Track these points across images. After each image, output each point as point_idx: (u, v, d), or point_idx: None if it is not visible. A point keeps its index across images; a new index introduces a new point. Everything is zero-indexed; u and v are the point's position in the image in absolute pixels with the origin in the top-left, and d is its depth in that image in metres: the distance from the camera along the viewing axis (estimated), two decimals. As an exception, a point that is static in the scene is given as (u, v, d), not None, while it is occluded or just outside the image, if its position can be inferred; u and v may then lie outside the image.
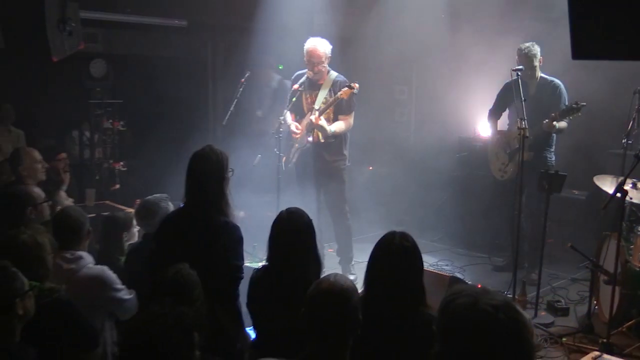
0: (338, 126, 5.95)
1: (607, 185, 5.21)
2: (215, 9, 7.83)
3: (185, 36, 8.64)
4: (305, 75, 5.97)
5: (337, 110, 5.94)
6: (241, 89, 6.55)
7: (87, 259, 3.76)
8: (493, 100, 6.38)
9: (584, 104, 5.44)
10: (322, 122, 5.83)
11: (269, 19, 7.49)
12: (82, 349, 3.37)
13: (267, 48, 7.50)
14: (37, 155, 5.28)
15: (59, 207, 4.84)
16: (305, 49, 5.92)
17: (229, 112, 6.51)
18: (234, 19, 7.78)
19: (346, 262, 6.26)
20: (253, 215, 5.96)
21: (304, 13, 7.62)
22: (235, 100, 6.51)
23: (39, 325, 2.85)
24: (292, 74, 6.28)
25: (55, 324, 3.04)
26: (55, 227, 3.75)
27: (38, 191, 4.45)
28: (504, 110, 6.37)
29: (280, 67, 7.91)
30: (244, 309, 3.53)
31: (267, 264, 3.44)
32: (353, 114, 6.02)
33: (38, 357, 2.73)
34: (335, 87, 5.95)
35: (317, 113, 5.85)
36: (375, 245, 3.03)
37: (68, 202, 5.44)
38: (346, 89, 5.74)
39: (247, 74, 6.61)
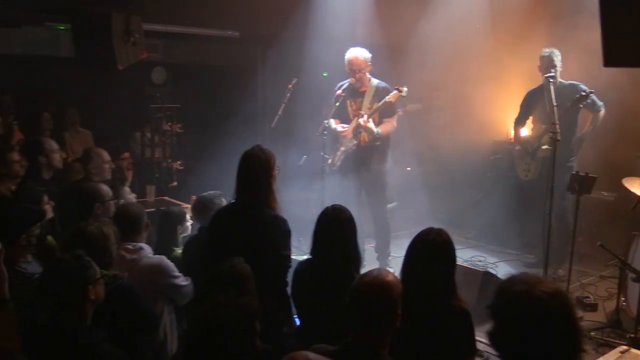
0: (384, 128, 5.93)
1: (636, 187, 5.08)
2: (265, 21, 7.86)
3: (238, 46, 8.71)
4: (348, 83, 5.96)
5: (382, 113, 5.92)
6: (288, 94, 6.57)
7: (147, 249, 3.84)
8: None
9: (592, 90, 5.40)
10: (371, 124, 5.82)
11: (315, 30, 7.50)
12: (144, 331, 3.43)
13: (313, 56, 7.51)
14: (105, 155, 5.37)
15: (122, 201, 4.93)
16: (346, 59, 5.92)
17: (277, 115, 6.55)
18: (282, 29, 7.81)
19: (384, 257, 6.22)
20: (299, 212, 5.98)
21: (347, 24, 7.61)
22: (283, 104, 6.53)
23: (105, 310, 2.92)
24: (336, 81, 6.27)
25: (118, 309, 3.10)
26: (116, 221, 3.84)
27: (105, 189, 4.53)
28: (528, 118, 6.28)
29: (324, 75, 7.91)
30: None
31: (310, 256, 3.45)
32: (396, 116, 6.01)
33: (107, 339, 2.78)
34: (378, 92, 5.93)
35: (365, 117, 5.83)
36: (412, 240, 3.02)
37: (131, 197, 5.53)
38: (395, 92, 5.72)
39: (294, 81, 6.62)
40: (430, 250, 2.93)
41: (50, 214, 4.48)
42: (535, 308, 1.89)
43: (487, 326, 2.03)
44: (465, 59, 7.87)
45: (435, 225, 3.12)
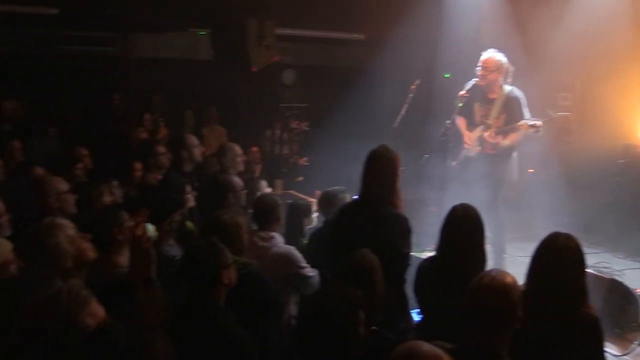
0: (511, 139, 5.61)
1: None
2: (389, 23, 7.83)
3: (363, 48, 8.74)
4: (473, 83, 5.72)
5: (508, 124, 5.63)
6: (411, 95, 6.49)
7: (278, 239, 3.93)
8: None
9: None
10: (498, 139, 5.57)
11: (439, 32, 7.35)
12: (269, 316, 3.51)
13: (436, 58, 7.36)
14: (238, 149, 5.59)
15: (258, 194, 5.11)
16: (481, 58, 5.66)
17: (400, 115, 6.48)
18: (406, 31, 7.73)
19: (499, 257, 5.92)
20: (419, 210, 5.88)
21: (472, 25, 7.38)
22: (406, 105, 6.45)
23: (235, 294, 2.99)
24: (458, 82, 6.09)
25: (247, 294, 3.16)
26: (253, 210, 3.99)
27: (238, 180, 4.72)
28: None
29: (447, 76, 7.73)
30: (410, 294, 3.50)
31: (436, 253, 3.38)
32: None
33: (238, 322, 2.87)
34: (508, 102, 5.59)
35: (491, 132, 5.59)
36: (539, 244, 2.87)
37: (267, 190, 5.70)
38: (528, 127, 5.41)
39: (417, 82, 6.52)
40: (560, 256, 2.77)
41: (192, 203, 4.73)
42: None
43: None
44: (593, 58, 7.35)
45: (559, 229, 2.95)
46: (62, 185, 4.03)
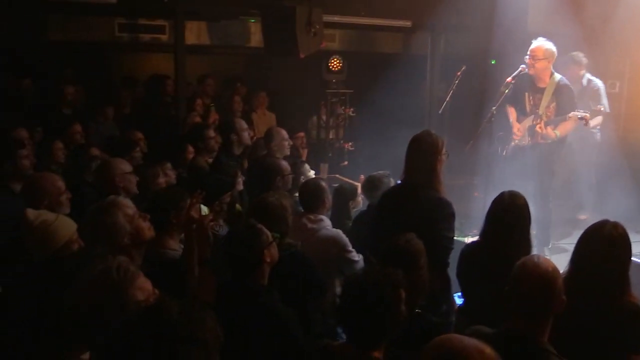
0: (563, 128, 5.42)
1: None
2: (436, 10, 7.69)
3: (409, 34, 8.63)
4: (519, 70, 5.55)
5: (559, 113, 5.46)
6: (456, 81, 6.37)
7: (326, 221, 3.95)
8: None
9: None
10: (547, 130, 5.39)
11: (485, 18, 7.17)
12: (312, 295, 3.53)
13: (482, 44, 7.19)
14: (284, 134, 5.60)
15: (302, 177, 5.12)
16: (530, 47, 5.50)
17: (445, 102, 6.39)
18: (452, 18, 7.59)
19: (542, 245, 5.78)
20: (462, 195, 5.79)
21: (518, 11, 7.17)
22: (451, 91, 6.35)
23: (279, 273, 3.01)
24: (505, 69, 5.93)
25: (291, 273, 3.19)
26: (299, 196, 4.01)
27: (285, 164, 4.75)
28: None
29: (493, 62, 7.55)
30: (452, 277, 3.47)
31: (480, 238, 3.34)
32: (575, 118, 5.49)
33: (281, 300, 2.89)
34: (558, 90, 5.42)
35: (541, 122, 5.42)
36: (585, 231, 2.80)
37: (311, 173, 5.71)
38: (577, 118, 5.25)
39: (463, 68, 6.39)
40: (605, 245, 2.70)
41: (241, 186, 4.79)
42: None
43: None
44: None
45: (605, 217, 2.87)
46: (126, 166, 4.15)
